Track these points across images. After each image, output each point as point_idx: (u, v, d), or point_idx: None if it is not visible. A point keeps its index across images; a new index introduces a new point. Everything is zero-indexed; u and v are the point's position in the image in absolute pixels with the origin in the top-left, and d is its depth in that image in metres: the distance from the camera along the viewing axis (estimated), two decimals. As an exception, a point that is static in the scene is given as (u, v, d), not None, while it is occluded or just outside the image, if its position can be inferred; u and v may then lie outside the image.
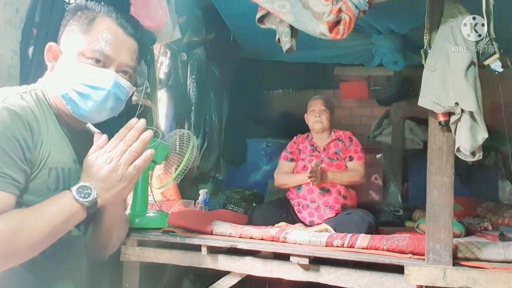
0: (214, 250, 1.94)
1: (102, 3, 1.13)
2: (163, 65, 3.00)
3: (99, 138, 1.03)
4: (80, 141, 1.13)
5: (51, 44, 1.09)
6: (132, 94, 1.41)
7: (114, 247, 1.26)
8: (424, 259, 1.62)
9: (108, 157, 0.98)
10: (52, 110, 1.07)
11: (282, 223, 2.29)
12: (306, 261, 1.75)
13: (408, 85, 3.87)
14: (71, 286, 1.07)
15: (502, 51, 1.45)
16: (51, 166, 1.00)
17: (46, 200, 0.94)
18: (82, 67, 1.04)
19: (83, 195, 0.95)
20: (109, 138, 1.06)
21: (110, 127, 1.37)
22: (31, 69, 1.67)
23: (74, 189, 0.95)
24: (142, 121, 1.03)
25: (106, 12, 1.10)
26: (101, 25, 1.07)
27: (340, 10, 1.53)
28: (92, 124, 1.26)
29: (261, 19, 1.80)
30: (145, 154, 1.00)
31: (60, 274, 1.03)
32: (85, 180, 0.97)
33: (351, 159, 2.60)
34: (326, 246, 1.84)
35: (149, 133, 1.01)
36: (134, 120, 1.03)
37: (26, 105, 0.97)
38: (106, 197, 0.98)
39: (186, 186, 3.13)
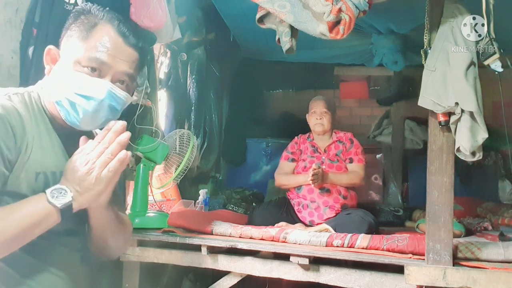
0: (214, 250, 1.94)
1: (107, 9, 1.10)
2: (163, 65, 3.00)
3: (85, 142, 0.99)
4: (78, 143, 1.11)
5: (50, 47, 1.07)
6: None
7: (118, 249, 1.22)
8: (424, 259, 1.62)
9: (84, 159, 0.93)
10: (45, 113, 1.05)
11: (282, 223, 2.29)
12: (306, 261, 1.75)
13: (408, 85, 3.86)
14: (58, 280, 1.04)
15: (502, 51, 1.45)
16: (38, 171, 0.98)
17: (20, 201, 0.91)
18: (77, 76, 1.02)
19: (56, 196, 0.90)
20: None
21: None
22: (31, 69, 1.68)
23: (49, 190, 0.91)
24: (121, 122, 0.98)
25: (108, 19, 1.06)
26: (101, 32, 1.04)
27: (340, 10, 1.53)
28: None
29: (261, 19, 1.80)
30: (120, 155, 0.93)
31: (45, 269, 1.01)
32: (63, 182, 0.93)
33: (351, 161, 2.60)
34: (326, 246, 1.84)
35: (126, 135, 0.96)
36: (112, 122, 0.99)
37: (11, 105, 0.95)
38: (81, 201, 0.94)
39: (186, 186, 3.13)
